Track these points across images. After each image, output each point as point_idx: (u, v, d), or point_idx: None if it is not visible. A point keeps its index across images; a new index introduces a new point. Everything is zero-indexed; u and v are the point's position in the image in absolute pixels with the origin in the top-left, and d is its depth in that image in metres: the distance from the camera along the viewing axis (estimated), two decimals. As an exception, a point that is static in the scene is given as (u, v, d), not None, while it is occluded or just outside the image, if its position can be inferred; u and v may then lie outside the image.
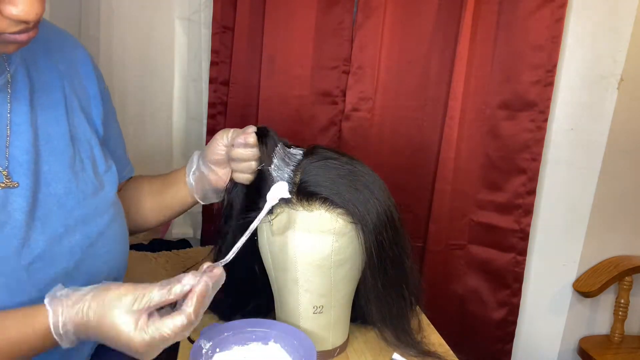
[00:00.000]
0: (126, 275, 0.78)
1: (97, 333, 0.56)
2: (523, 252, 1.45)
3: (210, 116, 1.42)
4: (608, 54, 1.37)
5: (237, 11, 1.32)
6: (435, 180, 1.39)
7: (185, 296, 0.57)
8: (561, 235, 1.51)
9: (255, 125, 0.74)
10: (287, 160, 0.72)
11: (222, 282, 0.59)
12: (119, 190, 0.80)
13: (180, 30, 1.43)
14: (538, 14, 1.30)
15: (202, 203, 0.83)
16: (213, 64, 1.39)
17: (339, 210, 0.69)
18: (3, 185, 0.60)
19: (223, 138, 0.76)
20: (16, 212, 0.60)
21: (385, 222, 0.70)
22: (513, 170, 1.41)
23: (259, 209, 0.67)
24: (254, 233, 0.74)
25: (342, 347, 0.79)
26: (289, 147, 0.75)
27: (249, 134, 0.72)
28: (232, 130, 0.76)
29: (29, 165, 0.62)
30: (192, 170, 0.81)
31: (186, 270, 0.61)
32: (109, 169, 0.74)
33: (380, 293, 0.72)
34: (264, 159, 0.72)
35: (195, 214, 1.50)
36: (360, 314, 0.80)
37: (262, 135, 0.73)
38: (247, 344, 0.69)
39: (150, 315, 0.56)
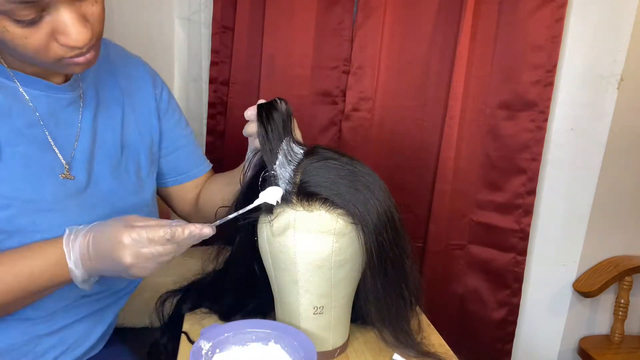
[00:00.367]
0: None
1: (96, 246, 0.66)
2: (523, 252, 1.45)
3: (210, 116, 1.42)
4: (608, 54, 1.37)
5: (237, 11, 1.32)
6: (435, 180, 1.39)
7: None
8: (561, 235, 1.51)
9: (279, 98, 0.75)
10: (290, 159, 0.72)
11: (207, 237, 0.67)
12: (198, 187, 0.96)
13: (180, 30, 1.43)
14: (538, 14, 1.30)
15: None
16: (213, 64, 1.39)
17: (339, 210, 0.68)
18: (63, 176, 0.74)
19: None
20: (70, 199, 0.73)
21: (386, 223, 0.70)
22: (513, 170, 1.41)
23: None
24: (254, 233, 0.74)
25: (343, 348, 0.79)
26: (294, 143, 0.74)
27: (249, 108, 0.76)
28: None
29: (84, 164, 0.77)
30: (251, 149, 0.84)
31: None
32: (150, 175, 0.88)
33: (380, 293, 0.72)
34: (269, 136, 0.72)
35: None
36: (361, 314, 0.80)
37: (268, 110, 0.73)
38: (247, 345, 0.69)
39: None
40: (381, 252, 0.69)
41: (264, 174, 0.71)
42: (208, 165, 1.00)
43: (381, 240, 0.69)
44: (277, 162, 0.70)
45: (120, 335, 0.96)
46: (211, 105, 1.41)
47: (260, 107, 0.75)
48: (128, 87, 0.86)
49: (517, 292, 1.49)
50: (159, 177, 0.94)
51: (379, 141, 1.41)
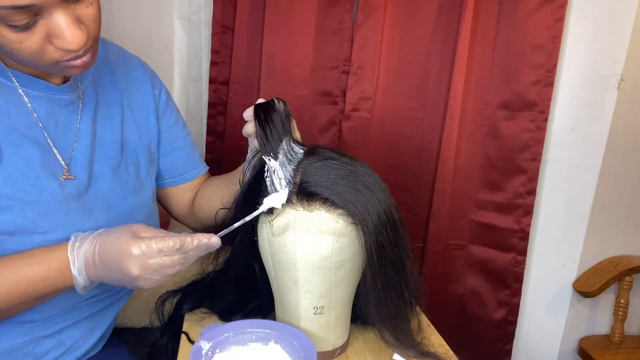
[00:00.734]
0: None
1: (102, 255, 0.66)
2: (523, 252, 1.45)
3: (210, 116, 1.42)
4: (608, 54, 1.37)
5: (237, 11, 1.32)
6: (435, 180, 1.39)
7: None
8: (561, 235, 1.51)
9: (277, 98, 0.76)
10: (290, 158, 0.72)
11: (215, 248, 0.68)
12: (194, 190, 0.96)
13: (180, 30, 1.42)
14: (538, 14, 1.30)
15: None
16: (213, 64, 1.39)
17: (340, 210, 0.68)
18: (64, 177, 0.74)
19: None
20: (70, 200, 0.73)
21: (386, 223, 0.69)
22: (513, 170, 1.41)
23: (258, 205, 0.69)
24: (254, 234, 0.74)
25: (343, 348, 0.79)
26: (294, 143, 0.74)
27: (248, 109, 0.76)
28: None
29: (84, 164, 0.77)
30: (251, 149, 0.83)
31: None
32: (150, 175, 0.88)
33: (380, 294, 0.71)
34: (267, 135, 0.72)
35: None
36: (361, 314, 0.80)
37: (266, 110, 0.73)
38: (247, 345, 0.69)
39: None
40: (381, 252, 0.69)
41: (265, 177, 0.71)
42: (205, 167, 0.99)
43: (381, 241, 0.69)
44: (277, 162, 0.70)
45: (120, 335, 0.96)
46: (211, 105, 1.41)
47: (257, 107, 0.75)
48: (127, 87, 0.86)
49: (517, 292, 1.49)
50: (156, 177, 0.94)
51: (379, 141, 1.41)
